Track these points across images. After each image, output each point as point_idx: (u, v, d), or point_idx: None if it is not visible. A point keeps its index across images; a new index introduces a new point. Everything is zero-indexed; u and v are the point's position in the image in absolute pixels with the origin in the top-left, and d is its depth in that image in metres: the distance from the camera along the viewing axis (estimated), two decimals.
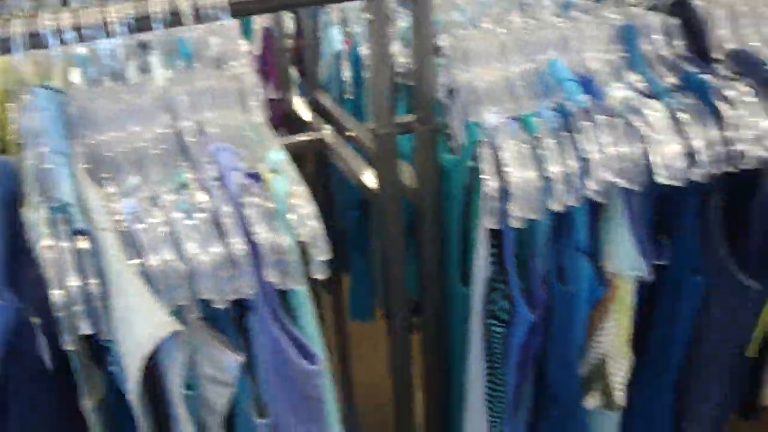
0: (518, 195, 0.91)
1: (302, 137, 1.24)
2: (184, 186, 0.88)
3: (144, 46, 1.23)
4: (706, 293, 1.12)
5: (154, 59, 1.17)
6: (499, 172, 0.93)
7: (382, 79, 0.99)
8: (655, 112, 0.99)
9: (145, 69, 1.14)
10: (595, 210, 1.03)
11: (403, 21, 1.37)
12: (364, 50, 1.39)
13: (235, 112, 0.93)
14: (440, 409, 1.22)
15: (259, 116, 0.94)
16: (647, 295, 1.16)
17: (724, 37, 1.15)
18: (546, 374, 1.10)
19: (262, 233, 0.84)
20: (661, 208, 1.12)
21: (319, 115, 1.36)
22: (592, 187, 0.94)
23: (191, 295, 0.83)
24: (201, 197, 0.85)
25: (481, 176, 0.94)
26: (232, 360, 0.92)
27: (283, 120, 1.49)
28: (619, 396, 1.12)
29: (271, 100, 1.60)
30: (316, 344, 0.93)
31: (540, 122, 0.96)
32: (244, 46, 1.35)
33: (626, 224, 1.04)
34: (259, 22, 1.42)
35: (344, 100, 1.40)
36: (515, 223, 0.94)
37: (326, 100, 1.39)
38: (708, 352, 1.15)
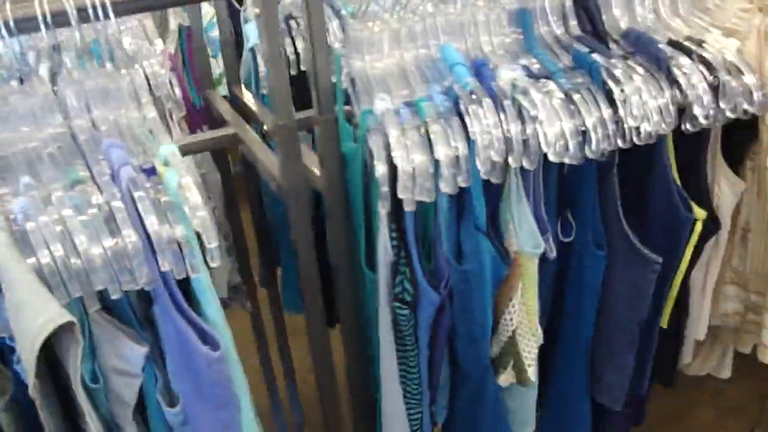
0: (406, 179, 0.94)
1: (217, 133, 1.26)
2: (77, 183, 0.89)
3: (57, 48, 1.25)
4: (610, 267, 1.15)
5: (66, 61, 1.19)
6: (389, 158, 0.95)
7: (278, 73, 1.01)
8: (543, 92, 1.01)
9: (56, 71, 1.15)
10: (494, 190, 1.06)
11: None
12: None
13: (128, 109, 0.95)
14: (364, 395, 1.24)
15: (152, 112, 0.96)
16: (559, 272, 1.19)
17: (619, 17, 1.18)
18: (456, 353, 1.13)
19: (155, 225, 0.86)
20: (567, 186, 1.15)
21: (239, 111, 1.38)
22: (480, 167, 0.97)
23: (86, 288, 0.85)
24: (93, 193, 0.87)
25: (373, 163, 0.96)
26: (136, 351, 0.93)
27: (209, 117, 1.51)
28: (532, 371, 1.15)
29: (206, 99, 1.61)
30: (220, 330, 0.95)
31: (431, 106, 0.99)
32: (159, 45, 1.37)
33: (525, 203, 1.07)
34: (174, 20, 1.43)
35: (262, 95, 1.41)
36: (408, 207, 0.97)
37: (246, 96, 1.41)
38: (615, 325, 1.19)
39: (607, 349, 1.21)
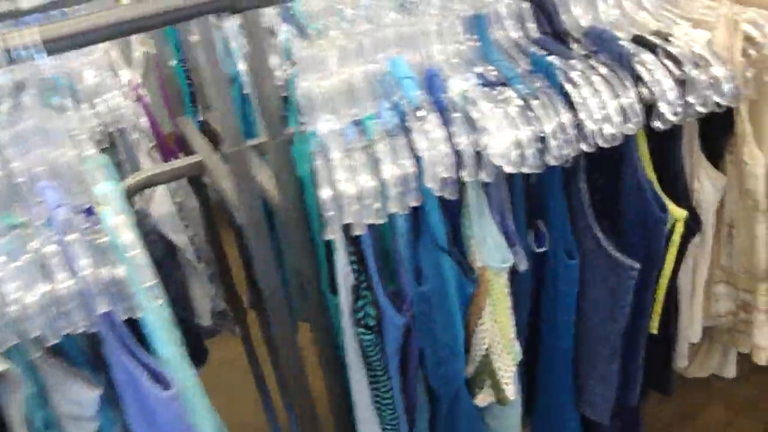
0: (350, 202, 0.91)
1: (182, 162, 1.24)
2: (14, 227, 0.88)
3: (19, 87, 1.24)
4: (585, 275, 1.11)
5: (28, 99, 1.18)
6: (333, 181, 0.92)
7: (223, 100, 0.98)
8: (497, 101, 0.98)
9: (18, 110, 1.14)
10: (454, 205, 1.02)
11: (281, 34, 1.37)
12: (241, 67, 1.39)
13: (66, 147, 0.93)
14: (345, 421, 1.21)
15: (90, 149, 0.94)
16: (535, 284, 1.15)
17: (581, 14, 1.14)
18: (427, 375, 1.09)
19: (92, 266, 0.84)
20: (536, 194, 1.11)
21: (210, 137, 1.36)
22: (430, 184, 0.93)
23: (22, 335, 0.83)
24: (30, 237, 0.86)
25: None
26: (87, 394, 0.92)
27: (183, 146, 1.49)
28: (510, 390, 1.10)
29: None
30: (175, 368, 0.93)
31: (378, 124, 0.96)
32: (124, 75, 1.36)
33: (489, 216, 1.03)
34: (140, 49, 1.42)
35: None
36: (358, 230, 0.94)
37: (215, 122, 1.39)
38: (595, 334, 1.14)
39: (589, 359, 1.16)
